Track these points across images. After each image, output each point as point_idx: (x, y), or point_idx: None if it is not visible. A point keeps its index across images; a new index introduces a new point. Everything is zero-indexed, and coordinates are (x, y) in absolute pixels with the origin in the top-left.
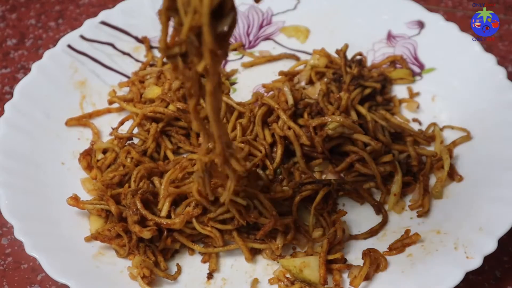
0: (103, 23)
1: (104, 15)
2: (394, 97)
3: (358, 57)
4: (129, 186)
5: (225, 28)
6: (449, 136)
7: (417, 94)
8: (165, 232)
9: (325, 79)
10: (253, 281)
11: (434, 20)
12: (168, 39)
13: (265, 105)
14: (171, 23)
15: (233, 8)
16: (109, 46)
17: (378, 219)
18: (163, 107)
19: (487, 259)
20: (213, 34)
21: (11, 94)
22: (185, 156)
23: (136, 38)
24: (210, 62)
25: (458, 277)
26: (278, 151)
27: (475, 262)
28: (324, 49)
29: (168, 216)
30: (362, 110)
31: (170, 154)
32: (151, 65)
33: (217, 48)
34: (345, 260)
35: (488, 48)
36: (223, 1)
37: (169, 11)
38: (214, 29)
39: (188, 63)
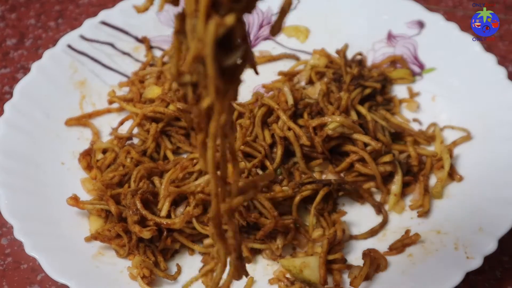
0: (103, 23)
1: (104, 15)
2: (394, 97)
3: (358, 57)
4: (129, 186)
5: (235, 62)
6: (450, 136)
7: (417, 94)
8: (165, 232)
9: (325, 79)
10: (248, 280)
11: (434, 20)
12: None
13: (264, 106)
14: None
15: (245, 41)
16: (109, 46)
17: (378, 219)
18: (163, 107)
19: (487, 259)
20: (216, 67)
21: (11, 94)
22: (185, 156)
23: (136, 38)
24: (215, 98)
25: (458, 278)
26: (278, 152)
27: (475, 262)
28: (324, 49)
29: (168, 216)
30: (362, 110)
31: (170, 154)
32: (151, 65)
33: (222, 84)
34: (345, 260)
35: (488, 48)
36: (231, 32)
37: (179, 34)
38: (220, 62)
39: (197, 95)
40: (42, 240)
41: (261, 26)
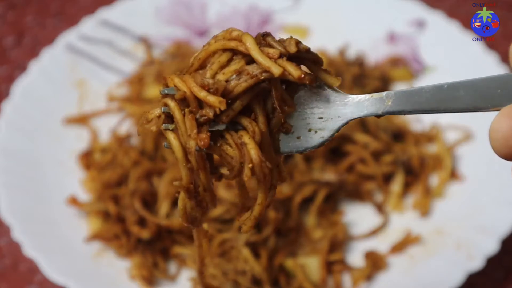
0: (102, 21)
1: (103, 13)
2: None
3: (359, 56)
4: (128, 186)
5: None
6: (451, 136)
7: None
8: (165, 232)
9: None
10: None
11: (436, 19)
12: None
13: None
14: None
15: None
16: (108, 44)
17: (378, 219)
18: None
19: (489, 260)
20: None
21: (9, 93)
22: None
23: (135, 36)
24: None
25: (460, 279)
26: None
27: (477, 263)
28: (324, 48)
29: (168, 216)
30: None
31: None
32: (150, 64)
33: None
34: (346, 261)
35: (491, 46)
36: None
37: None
38: None
39: None
40: (41, 241)
41: (261, 25)
